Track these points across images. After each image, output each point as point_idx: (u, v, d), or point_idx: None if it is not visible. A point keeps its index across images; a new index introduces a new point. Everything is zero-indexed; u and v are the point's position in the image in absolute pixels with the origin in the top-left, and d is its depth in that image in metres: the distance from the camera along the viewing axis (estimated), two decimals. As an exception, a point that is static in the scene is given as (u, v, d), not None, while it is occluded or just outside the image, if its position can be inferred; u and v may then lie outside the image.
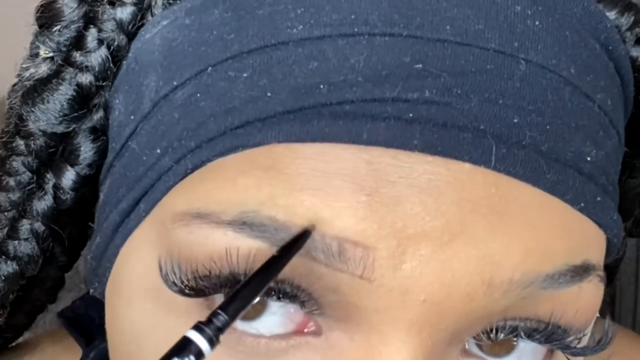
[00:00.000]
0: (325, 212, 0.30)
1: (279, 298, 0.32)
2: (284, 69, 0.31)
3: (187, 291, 0.32)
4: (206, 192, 0.32)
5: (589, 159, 0.33)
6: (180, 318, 0.33)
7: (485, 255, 0.30)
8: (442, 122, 0.30)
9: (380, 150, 0.30)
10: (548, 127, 0.31)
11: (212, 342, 0.29)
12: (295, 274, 0.31)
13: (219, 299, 0.33)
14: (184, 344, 0.29)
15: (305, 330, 0.33)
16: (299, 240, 0.30)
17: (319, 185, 0.30)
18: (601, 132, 0.34)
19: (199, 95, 0.33)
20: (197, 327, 0.29)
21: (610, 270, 0.38)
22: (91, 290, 0.41)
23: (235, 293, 0.30)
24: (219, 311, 0.29)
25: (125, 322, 0.35)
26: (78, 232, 0.43)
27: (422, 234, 0.30)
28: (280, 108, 0.31)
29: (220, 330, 0.29)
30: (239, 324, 0.32)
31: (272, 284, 0.31)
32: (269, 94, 0.31)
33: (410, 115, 0.30)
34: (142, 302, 0.35)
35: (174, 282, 0.32)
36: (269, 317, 0.33)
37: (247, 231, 0.31)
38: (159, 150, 0.34)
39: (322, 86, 0.31)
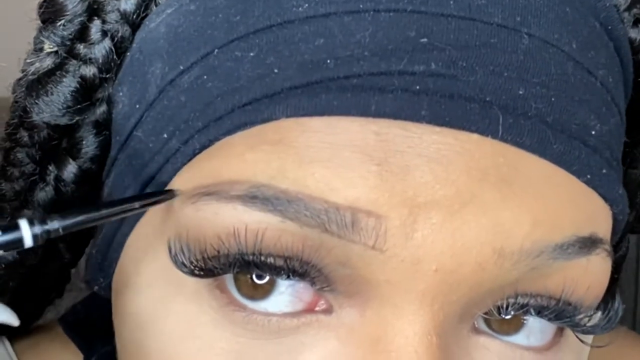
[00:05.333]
0: (336, 182, 0.30)
1: (288, 277, 0.32)
2: (290, 46, 0.32)
3: (196, 272, 0.32)
4: (214, 170, 0.32)
5: (593, 132, 0.33)
6: (189, 301, 0.33)
7: (495, 223, 0.31)
8: (449, 93, 0.31)
9: (388, 121, 0.31)
10: (553, 99, 0.32)
11: (36, 239, 0.31)
12: (304, 248, 0.31)
13: (228, 278, 0.33)
14: (11, 228, 0.30)
15: (316, 308, 0.33)
16: (161, 194, 0.33)
17: (329, 157, 0.30)
18: (604, 108, 0.34)
19: (205, 77, 0.33)
20: (31, 221, 0.31)
21: (614, 269, 0.38)
22: (95, 288, 0.41)
23: (82, 210, 0.32)
24: (56, 218, 0.31)
25: (133, 311, 0.35)
26: (82, 230, 0.43)
27: (433, 202, 0.30)
28: (287, 84, 0.31)
29: (49, 233, 0.31)
30: (247, 303, 0.32)
31: (280, 262, 0.31)
32: (276, 71, 0.32)
33: (417, 87, 0.31)
34: (150, 288, 0.35)
35: (183, 263, 0.32)
36: (277, 297, 0.33)
37: (257, 205, 0.31)
38: (165, 135, 0.34)
39: (329, 61, 0.31)
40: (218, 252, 0.32)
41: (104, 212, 0.32)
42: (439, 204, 0.30)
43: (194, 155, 0.33)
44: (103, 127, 0.39)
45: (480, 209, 0.31)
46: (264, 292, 0.33)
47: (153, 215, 0.35)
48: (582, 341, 0.36)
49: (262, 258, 0.31)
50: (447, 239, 0.30)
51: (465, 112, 0.31)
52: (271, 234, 0.31)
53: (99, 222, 0.33)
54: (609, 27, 0.35)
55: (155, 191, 0.34)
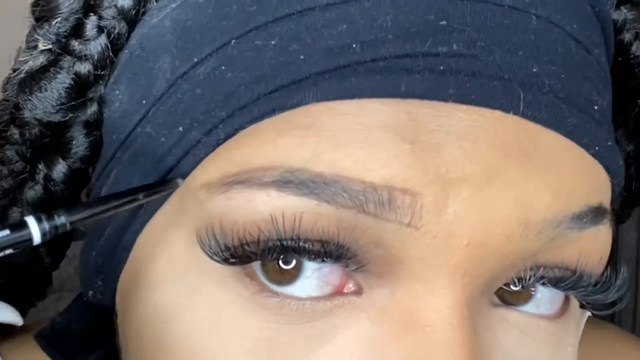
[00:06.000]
0: (371, 162, 0.31)
1: (323, 260, 0.32)
2: (313, 33, 0.32)
3: (231, 260, 0.32)
4: (244, 157, 0.32)
5: (596, 107, 0.35)
6: (216, 292, 0.33)
7: (520, 196, 0.32)
8: (472, 72, 0.32)
9: (417, 101, 0.31)
10: (562, 76, 0.33)
11: (45, 235, 0.31)
12: (340, 230, 0.31)
13: (256, 266, 0.33)
14: (20, 226, 0.31)
15: (344, 291, 0.33)
16: (165, 184, 0.34)
17: (363, 138, 0.31)
18: (601, 85, 0.36)
19: (224, 67, 0.33)
20: (38, 218, 0.31)
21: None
22: (90, 293, 0.40)
23: (87, 204, 0.33)
24: (62, 213, 0.31)
25: (152, 308, 0.35)
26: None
27: (463, 178, 0.31)
28: (315, 69, 0.32)
29: (57, 229, 0.31)
30: (278, 289, 0.33)
31: (317, 246, 0.32)
32: (301, 57, 0.32)
33: (442, 67, 0.32)
34: (171, 283, 0.34)
35: (216, 253, 0.32)
36: (304, 281, 0.33)
37: (292, 189, 0.31)
38: (181, 128, 0.34)
39: (354, 45, 0.32)
40: (257, 238, 0.32)
41: (110, 204, 0.33)
42: (469, 180, 0.31)
43: (218, 145, 0.33)
44: (94, 127, 0.38)
45: (505, 183, 0.32)
46: (291, 277, 0.33)
47: (170, 209, 0.34)
48: (590, 309, 0.37)
49: (300, 243, 0.31)
50: (476, 213, 0.31)
51: (489, 90, 0.32)
52: (308, 218, 0.31)
53: (104, 215, 0.33)
54: (597, 9, 0.37)
55: (157, 181, 0.34)
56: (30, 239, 0.31)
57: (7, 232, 0.30)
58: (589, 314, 0.43)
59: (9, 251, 0.31)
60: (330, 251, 0.32)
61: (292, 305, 0.32)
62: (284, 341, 0.33)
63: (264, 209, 0.31)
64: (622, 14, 0.39)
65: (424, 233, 0.31)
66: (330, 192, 0.31)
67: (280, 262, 0.33)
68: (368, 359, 0.32)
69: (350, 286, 0.33)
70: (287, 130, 0.32)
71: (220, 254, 0.32)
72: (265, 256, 0.32)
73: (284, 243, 0.32)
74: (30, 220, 0.31)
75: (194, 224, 0.33)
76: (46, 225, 0.31)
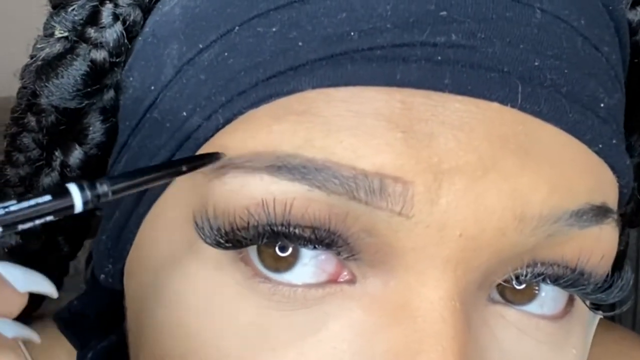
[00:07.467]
0: (363, 150, 0.31)
1: (315, 247, 0.32)
2: (313, 20, 0.32)
3: (224, 244, 0.32)
4: (240, 142, 0.33)
5: (602, 105, 0.34)
6: (212, 276, 0.33)
7: (515, 189, 0.32)
8: (470, 63, 0.32)
9: (412, 91, 0.31)
10: (566, 71, 0.33)
11: (87, 204, 0.30)
12: (331, 217, 0.31)
13: (251, 251, 0.33)
14: (63, 193, 0.29)
15: (339, 279, 0.33)
16: (207, 157, 0.33)
17: (356, 125, 0.31)
18: (609, 83, 0.35)
19: (226, 54, 0.34)
20: (80, 185, 0.30)
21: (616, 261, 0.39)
22: (102, 277, 0.41)
23: (129, 174, 0.32)
24: (105, 181, 0.30)
25: (149, 290, 0.35)
26: (80, 222, 0.44)
27: (457, 168, 0.31)
28: (312, 56, 0.32)
29: (98, 198, 0.30)
30: (272, 275, 0.33)
31: (308, 233, 0.32)
32: (300, 44, 0.32)
33: (439, 57, 0.32)
34: (169, 266, 0.35)
35: (210, 236, 0.33)
36: (301, 269, 0.33)
37: (284, 174, 0.31)
38: (184, 113, 0.34)
39: (352, 33, 0.32)
40: (248, 223, 0.32)
41: (153, 175, 0.32)
42: (462, 170, 0.31)
43: (217, 130, 0.33)
44: (110, 113, 0.39)
45: (501, 175, 0.31)
46: (287, 264, 0.33)
47: (173, 192, 0.35)
48: (592, 310, 0.37)
49: (291, 229, 0.32)
50: (470, 205, 0.31)
51: (486, 81, 0.32)
52: (299, 204, 0.31)
53: (147, 186, 0.32)
54: (610, 8, 0.36)
55: (202, 154, 0.34)
56: (72, 206, 0.29)
57: (48, 197, 0.29)
58: (600, 316, 0.42)
59: (49, 218, 0.29)
60: (321, 237, 0.32)
61: (284, 292, 0.33)
62: (275, 327, 0.33)
63: (257, 193, 0.32)
64: (638, 14, 0.38)
65: (416, 223, 0.31)
66: (321, 177, 0.31)
67: (277, 249, 0.33)
68: (358, 347, 0.32)
69: (345, 274, 0.33)
70: (282, 116, 0.32)
71: (214, 238, 0.33)
72: (256, 241, 0.32)
73: (274, 228, 0.32)
74: (72, 188, 0.30)
75: (191, 209, 0.34)
76: (88, 193, 0.30)
